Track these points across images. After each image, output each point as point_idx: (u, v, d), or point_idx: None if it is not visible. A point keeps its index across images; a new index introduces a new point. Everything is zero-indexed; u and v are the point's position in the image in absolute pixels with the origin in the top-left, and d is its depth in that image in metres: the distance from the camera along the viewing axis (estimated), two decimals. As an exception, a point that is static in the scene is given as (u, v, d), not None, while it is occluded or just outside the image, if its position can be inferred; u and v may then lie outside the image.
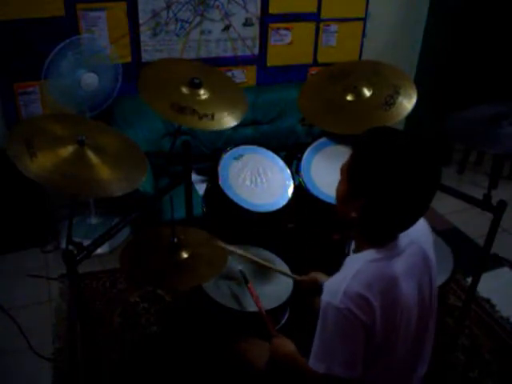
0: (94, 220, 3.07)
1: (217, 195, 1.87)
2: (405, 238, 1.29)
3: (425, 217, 1.37)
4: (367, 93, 1.99)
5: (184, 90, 1.86)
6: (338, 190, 1.33)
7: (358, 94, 1.99)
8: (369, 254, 1.25)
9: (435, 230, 1.45)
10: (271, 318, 1.65)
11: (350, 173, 1.27)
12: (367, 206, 1.22)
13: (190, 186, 2.11)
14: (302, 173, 1.94)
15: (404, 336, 1.29)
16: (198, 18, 2.99)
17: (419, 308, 1.31)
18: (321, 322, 1.23)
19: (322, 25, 3.27)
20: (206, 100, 1.86)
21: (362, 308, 1.18)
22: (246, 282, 1.75)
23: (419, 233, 1.36)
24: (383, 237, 1.27)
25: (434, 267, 1.38)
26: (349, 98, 2.00)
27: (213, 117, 1.83)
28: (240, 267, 1.83)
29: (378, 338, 1.22)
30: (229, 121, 1.87)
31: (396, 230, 1.28)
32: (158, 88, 1.85)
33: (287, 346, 1.49)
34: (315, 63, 3.39)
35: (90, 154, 1.59)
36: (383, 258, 1.24)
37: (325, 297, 1.22)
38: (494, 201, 1.83)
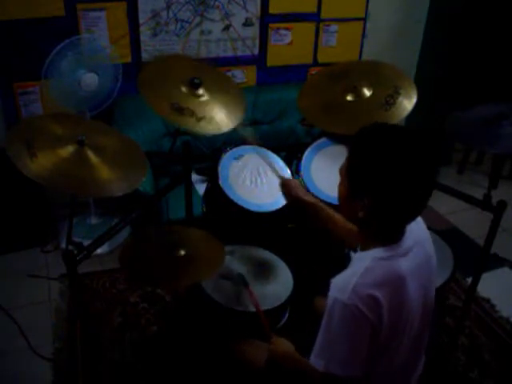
0: (94, 220, 3.07)
1: (217, 195, 1.86)
2: (409, 239, 1.28)
3: (425, 217, 1.37)
4: (367, 93, 1.99)
5: (184, 89, 1.86)
6: (339, 192, 1.33)
7: (358, 94, 1.99)
8: (377, 252, 1.25)
9: (435, 230, 1.44)
10: (269, 321, 1.64)
11: (349, 174, 1.26)
12: (373, 204, 1.21)
13: (189, 186, 2.11)
14: (302, 173, 1.94)
15: (407, 336, 1.29)
16: (197, 18, 2.99)
17: (422, 309, 1.31)
18: (326, 318, 1.22)
19: (322, 25, 3.27)
20: (204, 102, 1.86)
21: (371, 307, 1.17)
22: (246, 284, 1.75)
23: (424, 234, 1.36)
24: (389, 233, 1.27)
25: (435, 269, 1.38)
26: (349, 97, 2.00)
27: (211, 120, 1.83)
28: (240, 270, 1.84)
29: (382, 337, 1.21)
30: (227, 124, 1.88)
31: (400, 225, 1.27)
32: (158, 86, 1.84)
33: (286, 345, 1.49)
34: (315, 63, 3.39)
35: (90, 154, 1.59)
36: (391, 256, 1.23)
37: (332, 293, 1.21)
38: (494, 201, 1.83)
